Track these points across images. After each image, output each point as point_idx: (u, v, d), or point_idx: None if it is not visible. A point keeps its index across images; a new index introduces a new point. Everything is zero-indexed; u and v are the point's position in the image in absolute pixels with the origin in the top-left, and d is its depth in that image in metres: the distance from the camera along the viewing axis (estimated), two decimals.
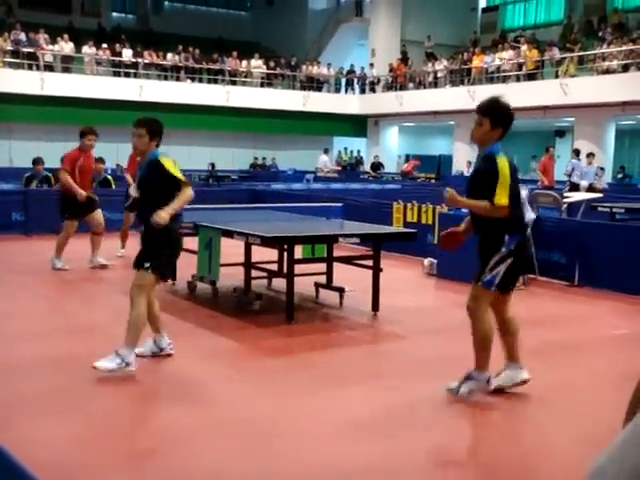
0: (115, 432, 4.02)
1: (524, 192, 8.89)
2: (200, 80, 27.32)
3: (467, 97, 25.00)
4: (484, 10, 33.29)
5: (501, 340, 4.67)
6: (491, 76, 25.39)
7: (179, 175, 5.03)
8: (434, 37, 29.94)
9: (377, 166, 26.64)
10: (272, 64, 29.22)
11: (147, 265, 4.88)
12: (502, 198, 4.35)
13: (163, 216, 4.80)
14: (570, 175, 16.37)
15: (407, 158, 29.08)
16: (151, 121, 5.15)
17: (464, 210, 9.20)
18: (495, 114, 4.47)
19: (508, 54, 24.92)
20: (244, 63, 28.33)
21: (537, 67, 23.92)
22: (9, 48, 23.91)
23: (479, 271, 4.54)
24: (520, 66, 24.37)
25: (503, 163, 4.39)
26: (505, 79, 24.59)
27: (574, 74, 22.51)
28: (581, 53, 23.21)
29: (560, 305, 7.96)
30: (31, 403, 4.35)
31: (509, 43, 25.98)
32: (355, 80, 30.84)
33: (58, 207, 9.15)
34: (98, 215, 9.31)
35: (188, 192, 5.00)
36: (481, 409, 4.55)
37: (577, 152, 17.33)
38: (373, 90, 30.38)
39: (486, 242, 4.59)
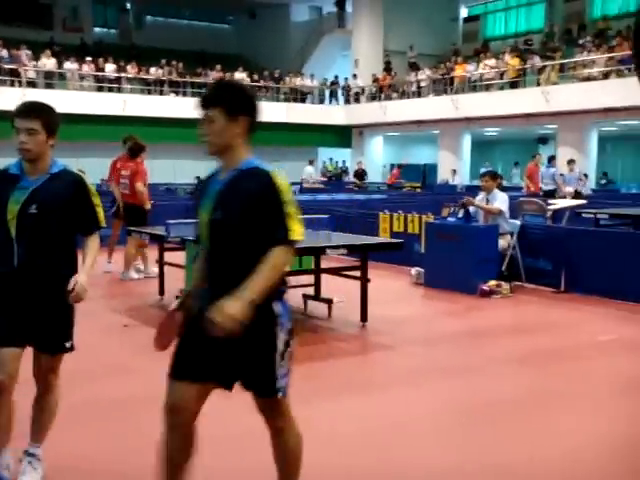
0: (124, 449, 3.98)
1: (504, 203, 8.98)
2: (184, 94, 27.34)
3: (450, 106, 25.20)
4: (465, 20, 33.62)
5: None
6: (474, 85, 25.57)
7: (101, 213, 3.53)
8: (416, 47, 30.15)
9: (361, 174, 26.61)
10: (256, 76, 29.30)
11: (69, 345, 3.48)
12: (298, 232, 2.78)
13: (84, 286, 3.35)
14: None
15: (392, 167, 29.20)
16: (47, 110, 3.41)
17: (450, 219, 9.28)
18: (231, 100, 2.84)
19: (491, 62, 25.12)
20: (228, 76, 28.37)
21: (519, 75, 24.13)
22: None
23: (261, 377, 2.84)
24: (502, 75, 24.58)
25: (283, 181, 2.83)
26: (488, 87, 24.78)
27: (556, 82, 22.72)
28: (562, 61, 23.44)
29: (547, 312, 7.99)
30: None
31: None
32: (339, 91, 30.96)
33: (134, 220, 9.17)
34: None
35: (97, 242, 3.51)
36: (470, 418, 4.55)
37: (549, 159, 17.58)
38: (357, 100, 30.50)
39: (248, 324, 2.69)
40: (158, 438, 2.86)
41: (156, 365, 5.59)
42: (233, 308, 2.63)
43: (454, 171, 26.13)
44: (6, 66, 23.96)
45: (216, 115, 2.81)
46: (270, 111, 28.23)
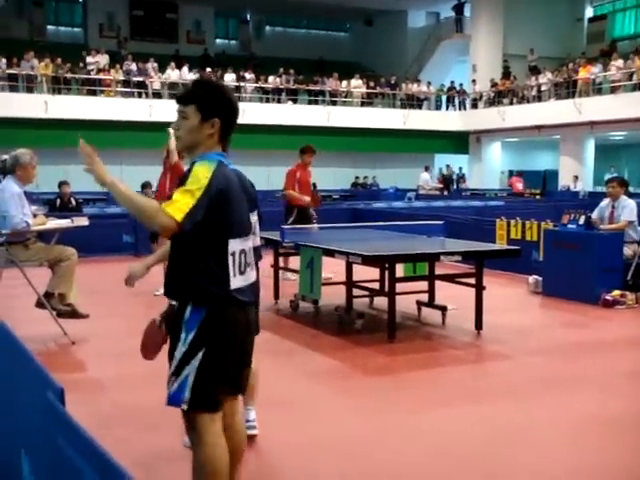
0: None
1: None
2: (301, 101, 27.78)
3: (573, 110, 24.32)
4: (591, 20, 32.36)
5: None
6: (599, 87, 24.60)
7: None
8: (537, 50, 29.34)
9: (447, 180, 26.18)
10: (372, 83, 29.38)
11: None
12: (178, 210, 2.62)
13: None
14: None
15: (511, 174, 28.53)
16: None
17: (570, 226, 8.94)
18: (206, 100, 2.81)
19: (618, 63, 24.02)
20: (344, 83, 28.62)
21: None
22: (121, 78, 25.12)
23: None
24: (630, 76, 23.49)
25: (203, 168, 2.71)
26: (614, 90, 23.76)
27: None
28: None
29: None
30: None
31: None
32: (456, 96, 30.58)
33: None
34: None
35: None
36: (583, 431, 4.36)
37: None
38: (475, 106, 30.02)
39: (175, 319, 2.81)
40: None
41: (269, 365, 5.72)
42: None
43: (576, 177, 25.22)
44: (135, 79, 25.17)
45: (190, 112, 2.81)
46: (387, 118, 28.35)
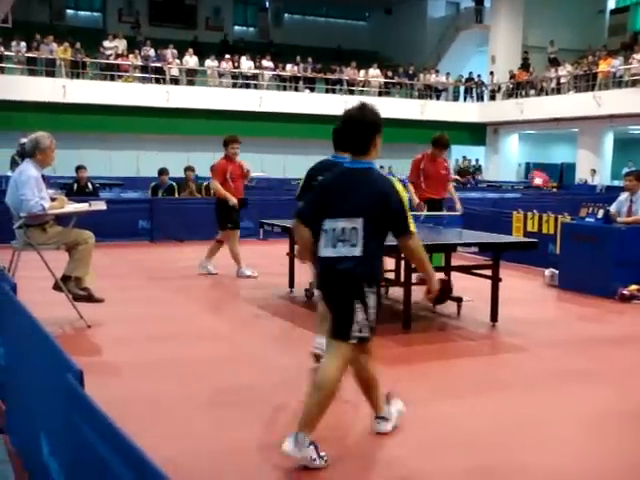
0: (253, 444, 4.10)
1: None
2: (319, 90, 27.70)
3: (592, 103, 24.13)
4: (613, 12, 32.03)
5: None
6: (619, 80, 24.37)
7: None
8: (557, 42, 29.09)
9: (467, 172, 26.10)
10: (390, 73, 29.25)
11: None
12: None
13: None
14: None
15: (527, 166, 28.34)
16: None
17: (588, 220, 8.87)
18: None
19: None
20: (362, 72, 28.51)
21: None
22: (139, 64, 25.15)
23: None
24: None
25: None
26: (635, 83, 23.54)
27: None
28: None
29: None
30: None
31: None
32: (474, 88, 30.39)
33: (218, 217, 9.18)
34: None
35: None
36: (592, 426, 4.34)
37: None
38: (493, 97, 29.83)
39: None
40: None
41: (283, 351, 5.74)
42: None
43: (593, 171, 25.05)
44: (152, 64, 25.19)
45: None
46: (404, 108, 28.20)
